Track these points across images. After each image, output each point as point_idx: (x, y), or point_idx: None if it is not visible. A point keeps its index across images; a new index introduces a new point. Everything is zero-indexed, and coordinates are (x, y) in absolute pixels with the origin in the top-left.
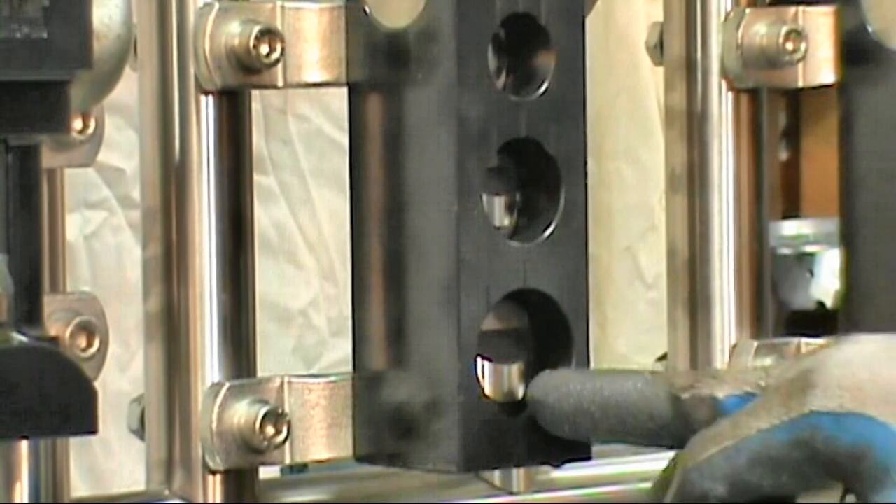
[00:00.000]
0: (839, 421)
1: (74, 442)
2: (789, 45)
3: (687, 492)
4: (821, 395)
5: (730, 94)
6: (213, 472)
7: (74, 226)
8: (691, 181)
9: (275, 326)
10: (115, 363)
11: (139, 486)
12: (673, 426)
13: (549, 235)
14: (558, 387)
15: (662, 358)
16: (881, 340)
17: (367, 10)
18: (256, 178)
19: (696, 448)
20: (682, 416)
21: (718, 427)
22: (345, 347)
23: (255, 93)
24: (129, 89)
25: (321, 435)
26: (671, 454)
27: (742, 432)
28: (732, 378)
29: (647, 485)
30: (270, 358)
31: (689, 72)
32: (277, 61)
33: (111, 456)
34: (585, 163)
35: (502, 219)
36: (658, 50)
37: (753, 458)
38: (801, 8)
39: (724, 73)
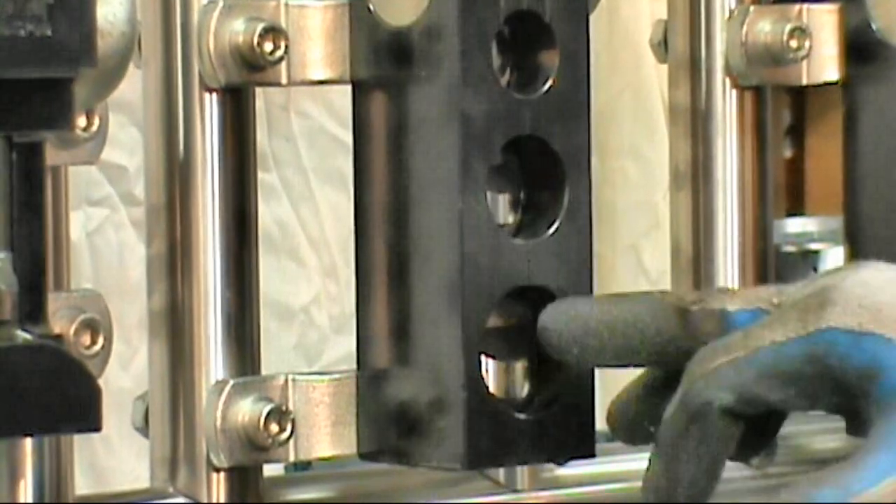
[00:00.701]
0: (857, 339)
1: (76, 439)
2: (793, 43)
3: (690, 400)
4: (840, 312)
5: (734, 92)
6: (217, 470)
7: (77, 223)
8: (695, 179)
9: (276, 324)
10: (116, 360)
11: (140, 483)
12: (680, 339)
13: (554, 233)
14: (566, 311)
15: None
16: None
17: (371, 7)
18: (259, 175)
19: (704, 357)
20: (691, 329)
21: (730, 338)
22: (346, 345)
23: (258, 90)
24: (132, 87)
25: (325, 432)
26: None
27: (754, 343)
28: (744, 294)
29: None
30: (272, 355)
31: (693, 69)
32: (281, 59)
33: (112, 453)
34: (589, 160)
35: (506, 216)
36: (662, 47)
37: (764, 370)
38: (805, 5)
39: (728, 71)
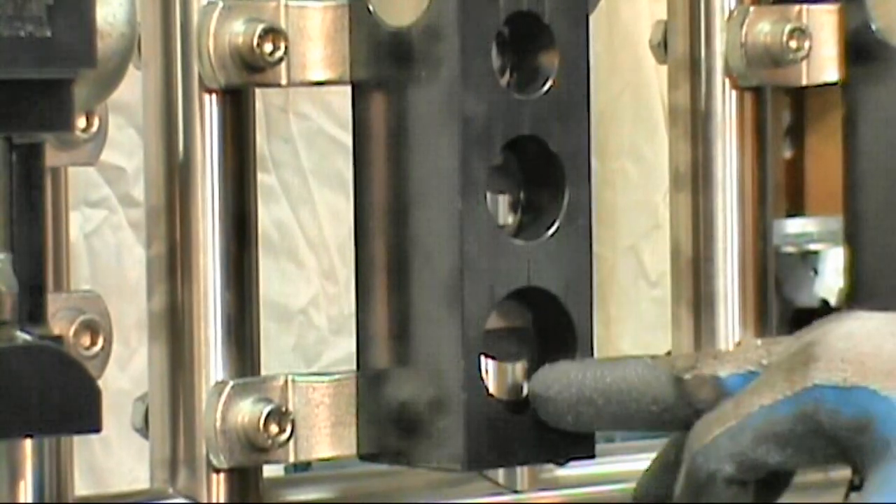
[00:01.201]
0: (842, 394)
1: (74, 440)
2: (793, 44)
3: (694, 475)
4: (824, 369)
5: (734, 93)
6: (217, 471)
7: (75, 224)
8: (695, 179)
9: (275, 325)
10: (115, 361)
11: (138, 484)
12: (676, 408)
13: (553, 234)
14: (559, 378)
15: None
16: (882, 317)
17: (371, 8)
18: (258, 176)
19: (700, 431)
20: (685, 397)
21: (722, 408)
22: (345, 346)
23: (256, 91)
24: (130, 88)
25: (325, 433)
26: None
27: (745, 410)
28: (734, 357)
29: None
30: (271, 356)
31: (693, 70)
32: (281, 60)
33: (111, 454)
34: (589, 161)
35: (506, 217)
36: (662, 48)
37: (758, 434)
38: (804, 6)
39: (727, 72)
